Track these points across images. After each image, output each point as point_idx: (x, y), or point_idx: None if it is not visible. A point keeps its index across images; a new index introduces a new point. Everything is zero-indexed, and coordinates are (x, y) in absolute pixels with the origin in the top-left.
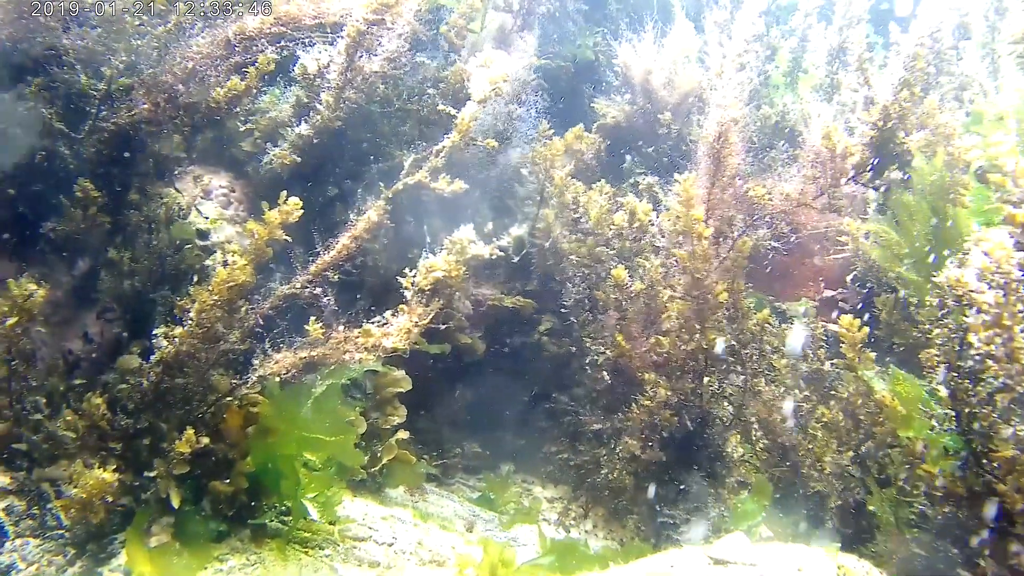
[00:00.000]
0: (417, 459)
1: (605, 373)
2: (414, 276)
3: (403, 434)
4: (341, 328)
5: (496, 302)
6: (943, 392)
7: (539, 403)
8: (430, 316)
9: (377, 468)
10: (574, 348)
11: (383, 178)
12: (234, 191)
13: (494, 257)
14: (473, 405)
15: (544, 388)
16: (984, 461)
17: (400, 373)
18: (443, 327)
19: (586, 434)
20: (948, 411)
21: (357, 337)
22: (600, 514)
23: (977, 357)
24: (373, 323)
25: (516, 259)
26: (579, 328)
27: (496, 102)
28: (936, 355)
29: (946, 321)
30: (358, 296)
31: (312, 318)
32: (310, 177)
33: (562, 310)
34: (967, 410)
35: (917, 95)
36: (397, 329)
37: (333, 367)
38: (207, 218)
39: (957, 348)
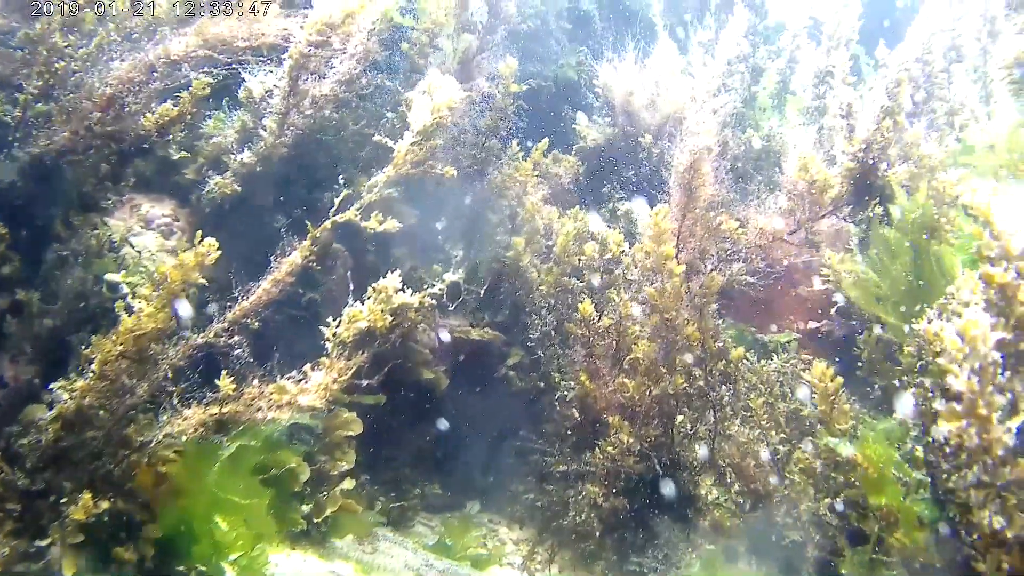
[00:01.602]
0: (368, 505)
1: (574, 410)
2: (336, 326)
3: (349, 483)
4: (255, 383)
5: (463, 334)
6: (919, 453)
7: (507, 440)
8: (352, 371)
9: (321, 519)
10: (542, 383)
11: (338, 207)
12: (177, 220)
13: (425, 305)
14: (438, 441)
15: (512, 424)
16: (962, 533)
17: (351, 415)
18: (404, 362)
19: (554, 474)
20: (923, 476)
21: (272, 393)
22: (567, 558)
23: (950, 450)
24: (290, 378)
25: (481, 292)
26: (546, 363)
27: (465, 126)
28: (911, 417)
29: (923, 380)
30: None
31: (223, 372)
32: (257, 206)
33: (528, 344)
34: (943, 477)
35: (901, 124)
36: (315, 385)
37: (244, 425)
38: (139, 252)
39: (933, 412)
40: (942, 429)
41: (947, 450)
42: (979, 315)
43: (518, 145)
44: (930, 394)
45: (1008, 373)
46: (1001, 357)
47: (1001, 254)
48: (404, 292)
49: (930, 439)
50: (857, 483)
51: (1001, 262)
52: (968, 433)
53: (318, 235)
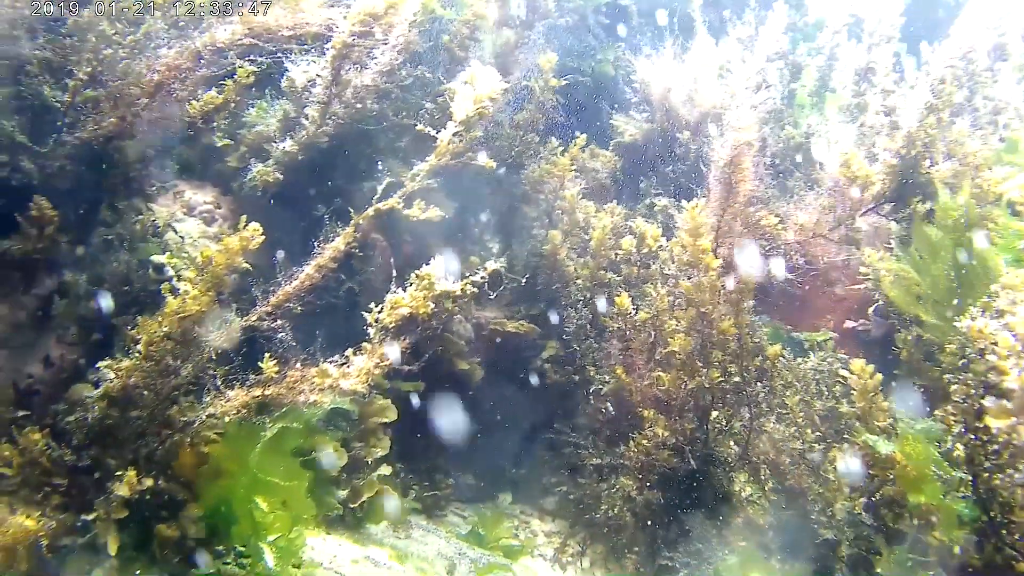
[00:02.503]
0: (403, 493)
1: (608, 404)
2: (379, 312)
3: (386, 469)
4: (298, 366)
5: (498, 326)
6: (960, 452)
7: (540, 432)
8: (394, 356)
9: (357, 504)
10: (577, 377)
11: (381, 195)
12: (219, 208)
13: (468, 293)
14: (473, 432)
15: (546, 417)
16: (1004, 533)
17: (386, 402)
18: (441, 352)
19: (587, 467)
20: (964, 475)
21: (314, 376)
22: (599, 552)
23: (996, 447)
24: (332, 362)
25: (523, 281)
26: (581, 356)
27: (504, 120)
28: (953, 413)
29: (966, 376)
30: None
31: (267, 354)
32: (298, 195)
33: (564, 337)
34: (985, 475)
35: (945, 121)
36: (357, 370)
37: (286, 408)
38: (182, 237)
39: (976, 408)
40: (989, 426)
41: (992, 448)
42: None
43: (556, 140)
44: (974, 392)
45: None
46: None
47: None
48: (447, 280)
49: (972, 436)
50: (895, 481)
51: None
52: (1018, 430)
53: (361, 221)
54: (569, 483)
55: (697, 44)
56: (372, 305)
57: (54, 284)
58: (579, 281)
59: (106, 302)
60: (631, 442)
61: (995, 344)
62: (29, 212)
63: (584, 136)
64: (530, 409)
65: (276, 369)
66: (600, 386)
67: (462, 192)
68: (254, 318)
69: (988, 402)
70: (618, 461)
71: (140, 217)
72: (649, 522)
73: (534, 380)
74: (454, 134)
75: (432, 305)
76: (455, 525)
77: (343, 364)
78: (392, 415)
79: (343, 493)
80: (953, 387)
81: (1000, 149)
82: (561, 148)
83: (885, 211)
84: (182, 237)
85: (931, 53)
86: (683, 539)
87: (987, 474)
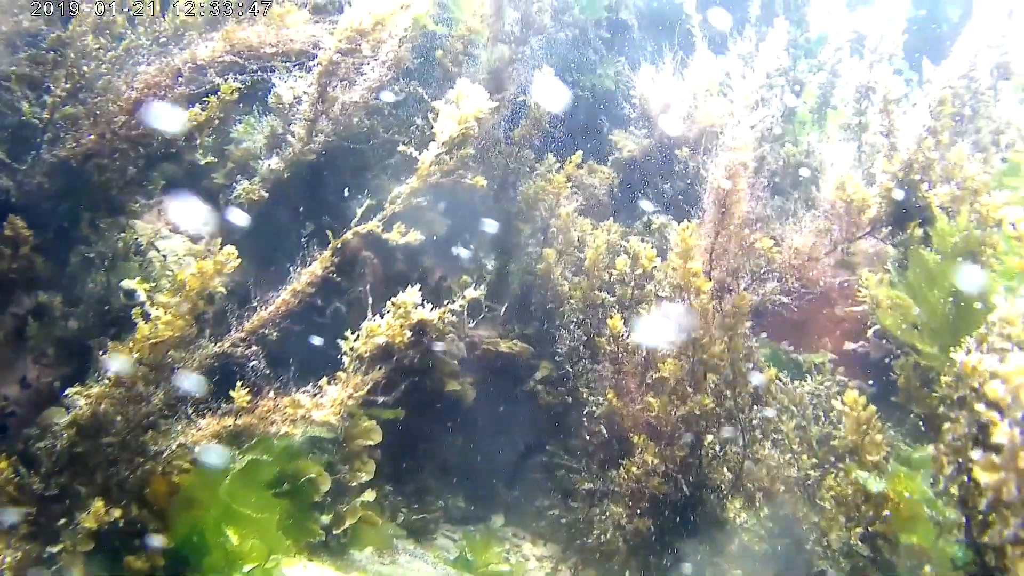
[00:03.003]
0: (390, 517)
1: (601, 427)
2: (354, 340)
3: (370, 494)
4: (271, 395)
5: (491, 346)
6: (954, 491)
7: (533, 454)
8: (368, 386)
9: (340, 530)
10: (570, 398)
11: (360, 217)
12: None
13: (446, 321)
14: (464, 453)
15: (539, 438)
16: None
17: (371, 423)
18: (429, 373)
19: (579, 491)
20: (957, 516)
21: (286, 407)
22: None
23: (987, 501)
24: (305, 392)
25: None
26: (574, 378)
27: (499, 136)
28: (945, 453)
29: (959, 414)
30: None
31: (238, 382)
32: (285, 212)
33: (557, 358)
34: (979, 518)
35: (944, 143)
36: (330, 400)
37: (258, 438)
38: (164, 256)
39: (970, 447)
40: (979, 478)
41: (984, 498)
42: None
43: (553, 156)
44: (966, 431)
45: None
46: None
47: None
48: (424, 307)
49: (965, 479)
50: (886, 520)
51: None
52: (1008, 487)
53: (339, 246)
54: (561, 506)
55: (697, 60)
56: (348, 333)
57: (32, 304)
58: (572, 301)
59: (83, 323)
60: (620, 468)
61: (987, 387)
62: (2, 231)
63: (580, 153)
64: (523, 430)
65: (247, 398)
66: (593, 408)
67: (455, 209)
68: (227, 344)
69: (976, 455)
70: (609, 486)
71: (122, 235)
72: (641, 549)
73: (527, 401)
74: (436, 155)
75: (409, 334)
76: (444, 548)
77: (316, 394)
78: (377, 437)
79: (326, 518)
80: (946, 426)
81: (1001, 171)
82: (557, 165)
83: (882, 235)
84: (164, 256)
85: (933, 71)
86: (676, 566)
87: (980, 520)
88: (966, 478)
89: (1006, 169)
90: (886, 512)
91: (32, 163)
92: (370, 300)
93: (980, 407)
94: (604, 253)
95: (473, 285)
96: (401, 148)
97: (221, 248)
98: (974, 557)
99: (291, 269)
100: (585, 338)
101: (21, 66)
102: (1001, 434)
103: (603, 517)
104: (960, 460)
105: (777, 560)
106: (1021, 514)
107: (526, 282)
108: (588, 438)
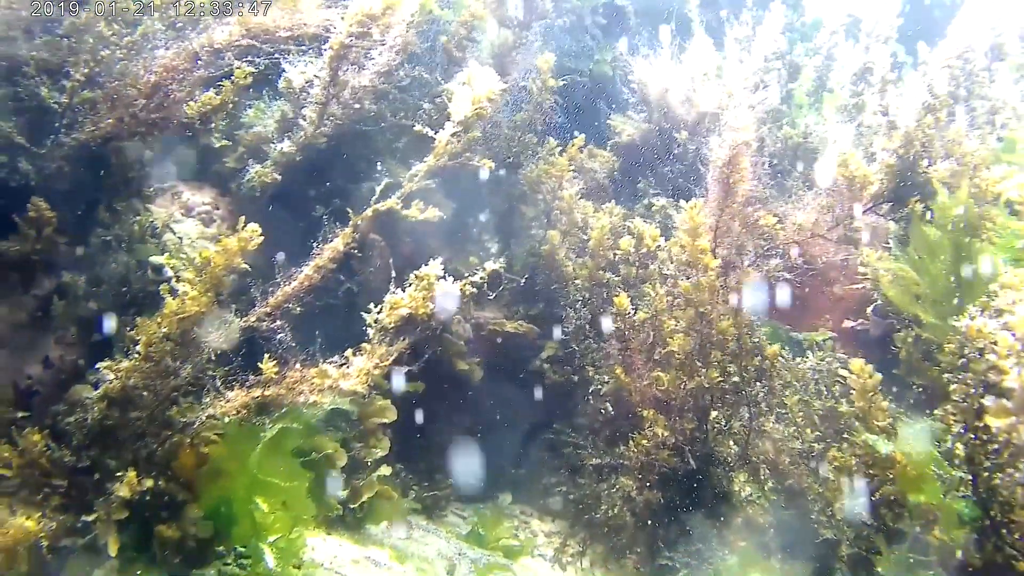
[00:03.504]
0: (403, 493)
1: (608, 404)
2: (378, 312)
3: (386, 469)
4: (298, 366)
5: (498, 326)
6: (960, 451)
7: (540, 432)
8: (393, 357)
9: (357, 504)
10: (576, 377)
11: (379, 196)
12: (218, 208)
13: (467, 293)
14: (472, 431)
15: (545, 417)
16: (1004, 532)
17: (385, 402)
18: (440, 353)
19: (586, 467)
20: (964, 475)
21: (314, 377)
22: (598, 552)
23: (996, 447)
24: (331, 363)
25: (522, 282)
26: (580, 356)
27: (502, 120)
28: (952, 413)
29: (965, 376)
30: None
31: (266, 355)
32: (296, 195)
33: (563, 336)
34: (986, 475)
35: (942, 121)
36: (356, 370)
37: (286, 408)
38: (180, 238)
39: (976, 408)
40: (989, 425)
41: (992, 447)
42: None
43: (554, 140)
44: (973, 391)
45: None
46: None
47: None
48: (446, 280)
49: (972, 436)
50: (895, 481)
51: None
52: (1018, 430)
53: (359, 222)
54: (569, 483)
55: (694, 44)
56: (372, 305)
57: (53, 285)
58: (577, 281)
59: (104, 303)
60: (631, 442)
61: (994, 343)
62: (27, 213)
63: (582, 136)
64: (530, 409)
65: (275, 370)
66: (599, 386)
67: (460, 192)
68: (253, 319)
69: (988, 401)
70: (618, 461)
71: (138, 218)
72: (649, 522)
73: (533, 380)
74: (452, 134)
75: (431, 305)
76: (455, 525)
77: (342, 365)
78: (392, 415)
79: (343, 494)
80: (952, 386)
81: (998, 149)
82: (559, 148)
83: (883, 211)
84: (180, 238)
85: (928, 53)
86: (683, 539)
87: (987, 473)
88: (973, 436)
89: (1003, 147)
90: (892, 475)
91: (51, 147)
92: (392, 273)
93: (991, 357)
94: (608, 234)
95: (480, 266)
96: (417, 128)
97: (244, 226)
98: (980, 512)
99: (307, 249)
100: (590, 317)
101: (40, 52)
102: (1012, 379)
103: (611, 492)
104: (966, 419)
105: (783, 531)
106: None
107: (530, 263)
108: (595, 415)
